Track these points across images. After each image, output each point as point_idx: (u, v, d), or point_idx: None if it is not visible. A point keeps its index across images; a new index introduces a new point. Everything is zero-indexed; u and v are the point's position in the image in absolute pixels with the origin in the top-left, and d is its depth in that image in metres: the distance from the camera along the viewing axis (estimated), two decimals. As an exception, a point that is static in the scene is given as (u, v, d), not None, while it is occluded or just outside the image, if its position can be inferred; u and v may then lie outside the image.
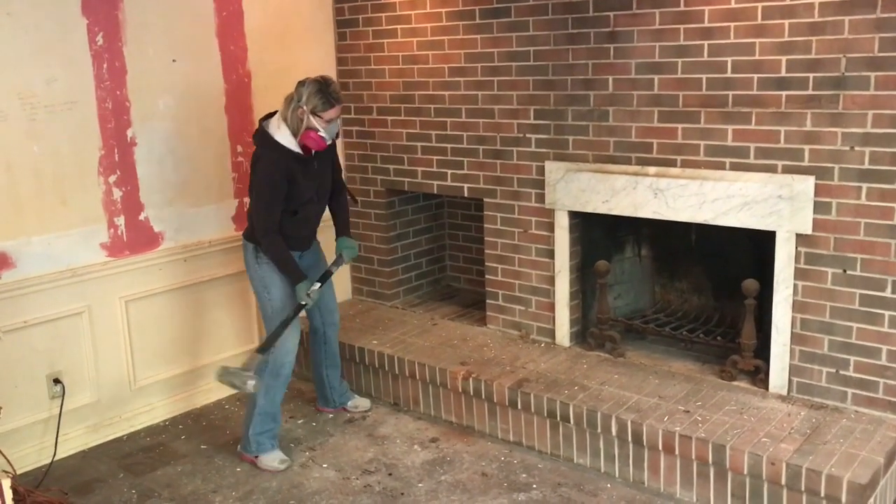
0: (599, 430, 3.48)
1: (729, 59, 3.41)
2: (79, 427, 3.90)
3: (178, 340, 4.25)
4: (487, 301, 4.48)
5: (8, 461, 3.17)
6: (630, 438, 3.39)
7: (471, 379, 3.87)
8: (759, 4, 3.29)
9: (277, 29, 4.49)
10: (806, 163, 3.31)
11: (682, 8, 3.49)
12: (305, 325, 4.09)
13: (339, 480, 3.55)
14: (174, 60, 4.05)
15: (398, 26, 4.48)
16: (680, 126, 3.60)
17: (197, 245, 4.24)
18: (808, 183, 3.29)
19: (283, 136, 3.46)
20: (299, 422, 4.11)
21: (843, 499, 2.88)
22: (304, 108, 3.42)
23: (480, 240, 4.57)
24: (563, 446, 3.63)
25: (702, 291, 4.23)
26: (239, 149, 4.36)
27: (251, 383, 3.46)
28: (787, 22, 3.25)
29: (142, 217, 4.03)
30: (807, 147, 3.30)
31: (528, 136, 4.10)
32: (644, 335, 4.16)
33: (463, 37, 4.24)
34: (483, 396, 3.84)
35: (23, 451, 3.63)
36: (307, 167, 3.54)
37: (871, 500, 2.93)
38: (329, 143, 3.52)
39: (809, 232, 3.33)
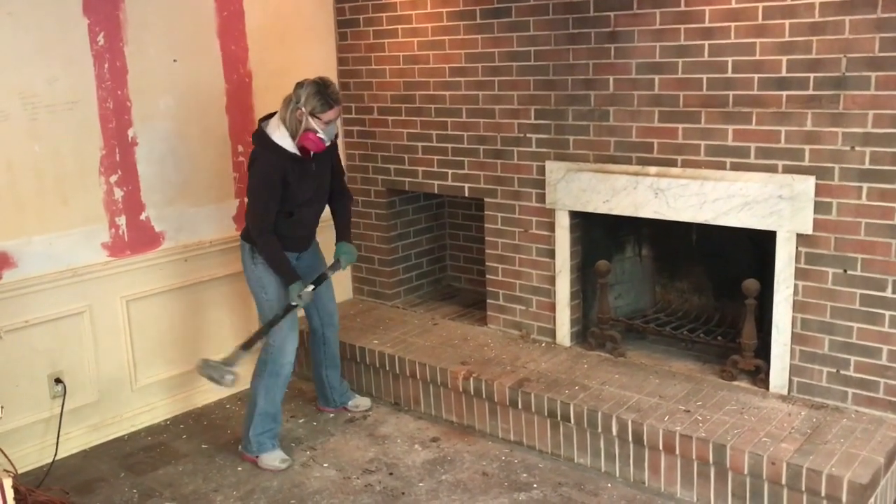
0: (600, 430, 3.48)
1: (729, 59, 3.41)
2: (80, 426, 3.90)
3: (179, 340, 4.25)
4: (488, 301, 4.49)
5: (9, 460, 3.17)
6: (631, 438, 3.39)
7: (471, 379, 3.87)
8: (760, 4, 3.30)
9: (278, 29, 4.49)
10: (806, 163, 3.31)
11: (682, 8, 3.49)
12: (305, 325, 4.10)
13: (340, 480, 3.56)
14: (175, 60, 4.05)
15: (399, 26, 4.48)
16: (680, 126, 3.60)
17: (198, 245, 4.24)
18: (808, 183, 3.29)
19: (280, 136, 3.46)
20: (300, 421, 4.12)
21: (844, 499, 2.88)
22: (303, 109, 3.42)
23: (481, 240, 4.58)
24: (563, 446, 3.63)
25: (702, 291, 4.23)
26: (240, 149, 4.36)
27: (229, 378, 3.47)
28: (787, 22, 3.25)
29: (143, 217, 4.04)
30: (807, 147, 3.30)
31: (528, 135, 4.10)
32: (644, 335, 4.16)
33: (463, 37, 4.24)
34: (484, 396, 3.85)
35: (24, 451, 3.63)
36: (304, 169, 3.54)
37: (872, 499, 2.93)
38: (327, 144, 3.52)
39: (810, 232, 3.33)
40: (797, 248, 3.38)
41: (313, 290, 3.61)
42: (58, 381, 3.79)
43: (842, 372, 3.37)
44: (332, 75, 4.76)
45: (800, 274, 3.40)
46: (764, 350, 3.58)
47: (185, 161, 4.15)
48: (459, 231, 5.21)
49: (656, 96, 3.64)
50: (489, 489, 3.44)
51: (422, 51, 4.42)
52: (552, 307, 4.19)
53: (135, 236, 4.01)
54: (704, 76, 3.49)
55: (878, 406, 3.31)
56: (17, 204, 3.59)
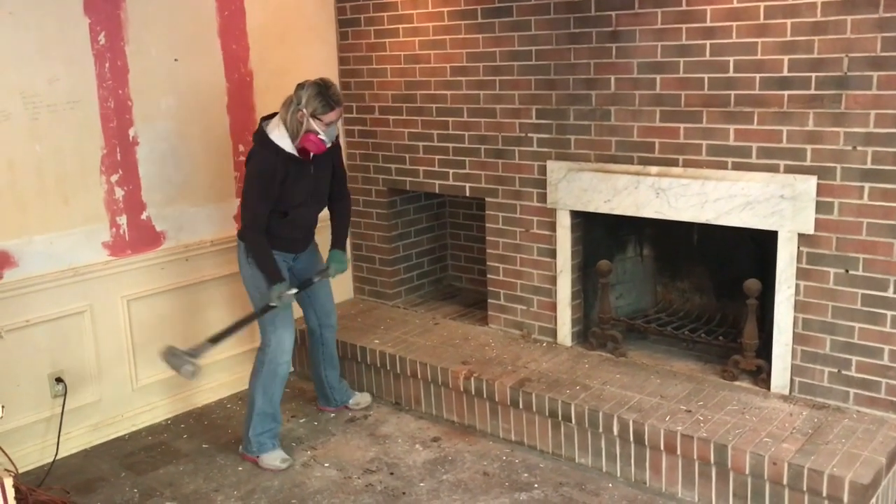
0: (601, 430, 3.47)
1: (731, 59, 3.41)
2: (81, 426, 3.90)
3: (180, 340, 4.22)
4: (489, 301, 4.48)
5: (10, 460, 3.17)
6: (632, 438, 3.39)
7: (472, 378, 3.87)
8: (762, 4, 3.29)
9: (279, 28, 4.49)
10: (808, 162, 3.31)
11: (683, 7, 3.49)
12: (304, 325, 4.10)
13: (341, 480, 3.55)
14: (176, 60, 4.05)
15: (400, 26, 4.48)
16: (682, 126, 3.60)
17: (199, 244, 4.24)
18: (810, 183, 3.29)
19: (279, 136, 3.46)
20: (301, 421, 4.12)
21: (845, 499, 2.87)
22: (304, 111, 3.41)
23: (482, 239, 4.58)
24: (564, 446, 3.63)
25: (703, 291, 4.23)
26: (241, 148, 4.36)
27: (188, 368, 3.45)
28: (789, 21, 3.25)
29: (144, 216, 4.04)
30: (809, 147, 3.29)
31: (529, 135, 4.10)
32: (646, 335, 4.16)
33: (465, 36, 4.23)
34: (485, 396, 3.84)
35: (25, 450, 3.63)
36: (302, 170, 3.54)
37: (873, 500, 2.93)
38: (328, 145, 3.52)
39: (811, 232, 3.33)
40: (799, 247, 3.38)
41: (295, 293, 3.58)
42: (59, 380, 3.79)
43: (843, 372, 3.37)
44: (332, 75, 4.77)
45: (801, 274, 3.40)
46: (765, 350, 3.58)
47: (185, 160, 4.15)
48: (460, 231, 5.21)
49: (658, 96, 3.64)
50: (490, 489, 3.43)
51: (423, 50, 4.41)
52: (553, 307, 4.19)
53: (136, 236, 4.01)
54: (706, 76, 3.49)
55: (879, 406, 3.31)
56: (18, 203, 3.59)
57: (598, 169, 3.86)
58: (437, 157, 4.50)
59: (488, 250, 4.41)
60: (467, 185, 4.41)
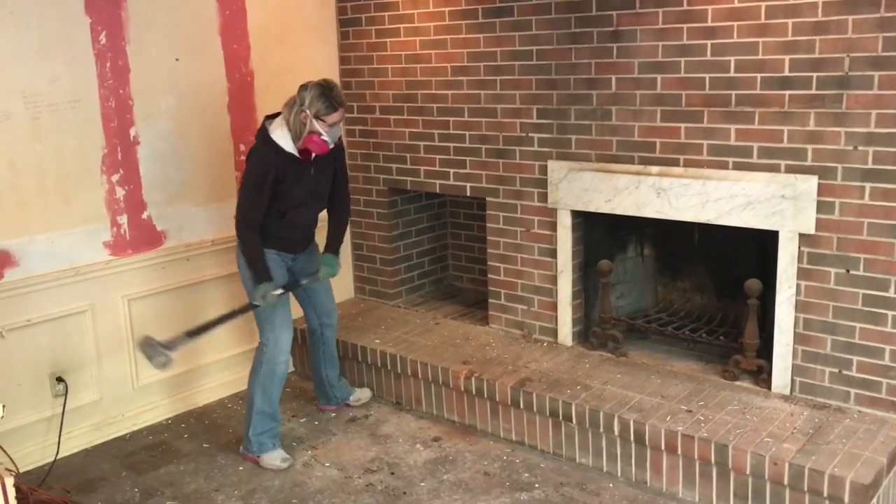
0: (602, 430, 3.47)
1: (732, 59, 3.41)
2: (82, 425, 3.90)
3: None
4: (490, 300, 4.48)
5: (11, 459, 3.18)
6: (632, 438, 3.38)
7: (473, 378, 3.87)
8: (763, 4, 3.29)
9: (280, 28, 4.49)
10: (809, 162, 3.30)
11: (685, 7, 3.49)
12: (305, 324, 4.10)
13: (342, 479, 3.55)
14: (177, 59, 4.05)
15: (401, 25, 4.48)
16: (683, 125, 3.60)
17: (199, 244, 4.24)
18: (811, 183, 3.29)
19: (281, 136, 3.46)
20: (301, 421, 4.12)
21: (846, 499, 2.87)
22: (307, 111, 3.41)
23: (483, 239, 4.57)
24: (565, 446, 3.63)
25: (704, 291, 4.22)
26: (242, 148, 4.36)
27: (160, 360, 3.46)
28: (790, 21, 3.24)
29: (144, 216, 4.04)
30: (810, 147, 3.29)
31: (530, 135, 4.10)
32: (646, 335, 4.15)
33: (465, 36, 4.23)
34: (485, 396, 3.84)
35: (26, 450, 3.63)
36: (302, 172, 3.54)
37: (874, 500, 2.92)
38: (331, 146, 3.52)
39: (812, 232, 3.32)
40: (800, 247, 3.38)
41: (281, 293, 3.57)
42: (59, 379, 3.79)
43: (844, 372, 3.37)
44: (333, 74, 4.77)
45: (802, 274, 3.40)
46: (766, 350, 3.58)
47: (186, 160, 4.16)
48: (461, 230, 5.21)
49: (658, 96, 3.64)
50: (491, 489, 3.43)
51: (424, 50, 4.41)
52: (554, 307, 4.19)
53: (136, 235, 4.01)
54: (707, 76, 3.49)
55: (880, 406, 3.30)
56: (19, 203, 3.59)
57: (598, 169, 3.86)
58: (437, 156, 4.50)
59: (489, 250, 4.41)
60: (468, 184, 4.41)
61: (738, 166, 3.47)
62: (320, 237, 3.89)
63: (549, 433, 3.67)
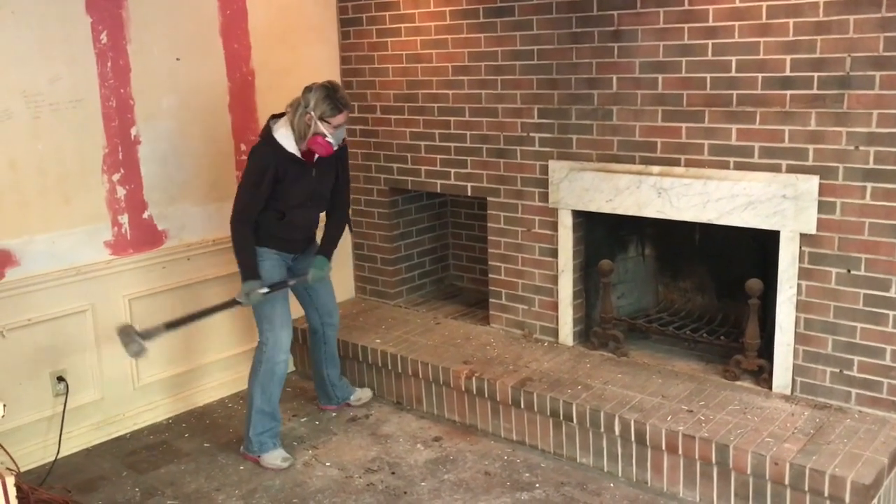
0: (602, 430, 3.47)
1: (733, 59, 3.41)
2: (82, 425, 3.90)
3: (181, 339, 4.24)
4: (490, 300, 4.48)
5: (12, 459, 3.18)
6: (633, 438, 3.38)
7: (474, 378, 3.87)
8: (764, 4, 3.29)
9: (281, 27, 4.49)
10: (810, 162, 3.30)
11: (686, 7, 3.49)
12: (306, 324, 4.10)
13: (342, 479, 3.55)
14: (178, 59, 4.05)
15: (402, 25, 4.48)
16: (684, 125, 3.60)
17: (200, 244, 4.24)
18: (812, 182, 3.28)
19: (284, 136, 3.47)
20: (302, 420, 4.12)
21: (847, 499, 2.87)
22: (312, 113, 3.42)
23: (484, 239, 4.58)
24: (566, 445, 3.63)
25: (705, 291, 4.22)
26: (242, 147, 4.36)
27: (134, 347, 3.47)
28: (791, 21, 3.24)
29: (145, 215, 4.04)
30: (811, 146, 3.29)
31: (531, 135, 4.09)
32: (647, 334, 4.15)
33: (467, 36, 4.23)
34: (486, 395, 3.84)
35: (26, 449, 3.63)
36: (303, 173, 3.54)
37: (875, 500, 2.92)
38: (335, 148, 3.52)
39: (813, 232, 3.32)
40: (801, 247, 3.38)
41: (266, 293, 3.55)
42: (60, 379, 3.79)
43: (845, 372, 3.36)
44: (334, 74, 4.77)
45: (803, 274, 3.39)
46: (767, 350, 3.58)
47: (187, 160, 4.16)
48: (462, 230, 5.21)
49: (660, 95, 3.64)
50: (491, 489, 3.43)
51: (425, 50, 4.41)
52: (555, 306, 4.18)
53: (137, 235, 4.01)
54: (708, 75, 3.49)
55: (881, 406, 3.30)
56: (20, 202, 3.59)
57: (599, 168, 3.86)
58: (438, 156, 4.50)
59: (490, 250, 4.41)
60: (469, 184, 4.41)
61: (740, 166, 3.47)
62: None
63: (550, 433, 3.67)
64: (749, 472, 3.09)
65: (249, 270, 3.52)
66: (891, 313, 3.23)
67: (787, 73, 3.29)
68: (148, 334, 3.53)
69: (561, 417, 3.59)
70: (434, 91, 4.43)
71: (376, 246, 4.96)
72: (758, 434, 3.18)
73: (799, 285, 3.41)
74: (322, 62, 4.70)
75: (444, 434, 3.92)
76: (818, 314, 3.39)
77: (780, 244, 3.41)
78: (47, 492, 3.15)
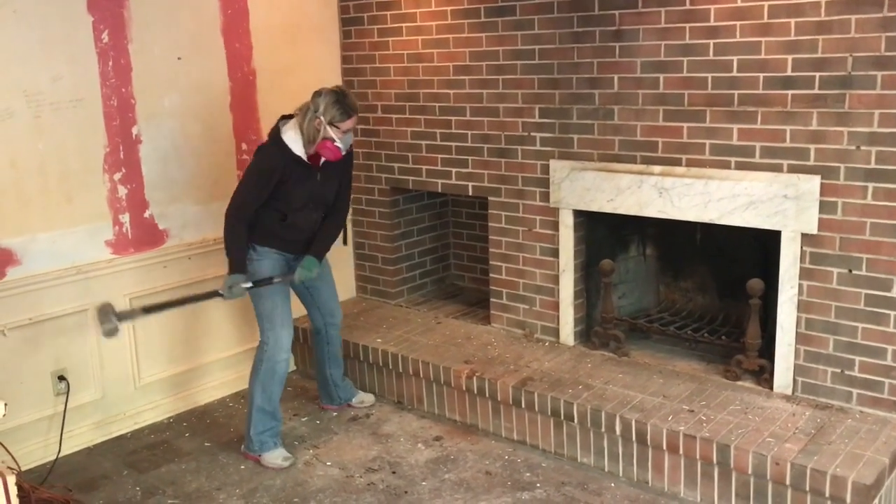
0: (603, 430, 3.47)
1: (735, 58, 3.41)
2: (83, 424, 3.90)
3: (183, 338, 4.25)
4: (491, 300, 4.48)
5: (13, 457, 3.18)
6: (634, 438, 3.38)
7: (475, 377, 3.87)
8: (765, 3, 3.29)
9: (282, 27, 4.49)
10: (812, 162, 3.30)
11: (687, 7, 3.48)
12: (308, 323, 4.10)
13: (343, 478, 3.56)
14: (179, 58, 4.05)
15: (403, 24, 4.48)
16: (685, 125, 3.59)
17: (201, 243, 4.24)
18: (813, 182, 3.28)
19: (292, 138, 3.48)
20: (303, 420, 4.12)
21: (848, 499, 2.87)
22: (322, 118, 3.43)
23: (485, 238, 4.57)
24: (566, 445, 3.63)
25: (706, 291, 4.22)
26: (244, 146, 4.36)
27: (108, 327, 3.46)
28: (793, 21, 3.24)
29: (146, 214, 4.04)
30: (812, 146, 3.29)
31: (532, 134, 4.09)
32: (648, 334, 4.15)
33: (468, 35, 4.23)
34: (487, 395, 3.84)
35: (27, 448, 3.63)
36: (307, 176, 3.54)
37: (876, 500, 2.92)
38: (344, 153, 3.53)
39: (815, 231, 3.32)
40: (802, 247, 3.37)
41: (249, 287, 3.54)
42: (61, 378, 3.79)
43: (846, 372, 3.36)
44: (336, 74, 4.77)
45: (804, 274, 3.39)
46: (768, 350, 3.57)
47: (188, 159, 4.16)
48: (463, 230, 5.21)
49: (661, 95, 3.63)
50: (492, 488, 3.43)
51: (426, 49, 4.41)
52: (556, 306, 4.18)
53: (138, 234, 4.01)
54: (709, 75, 3.49)
55: (882, 406, 3.30)
56: (21, 201, 3.59)
57: (601, 168, 3.85)
58: (439, 156, 4.50)
59: (491, 249, 4.41)
60: (470, 184, 4.41)
61: (741, 166, 3.47)
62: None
63: (551, 433, 3.67)
64: (750, 472, 3.09)
65: (235, 264, 3.51)
66: (892, 313, 3.22)
67: (789, 72, 3.29)
68: (124, 316, 3.53)
69: (562, 417, 3.59)
70: (435, 90, 4.43)
71: (377, 245, 4.96)
72: (759, 434, 3.17)
73: (800, 285, 3.41)
74: (323, 61, 4.70)
75: (445, 434, 3.92)
76: (819, 314, 3.39)
77: (782, 244, 3.40)
78: (48, 491, 3.15)
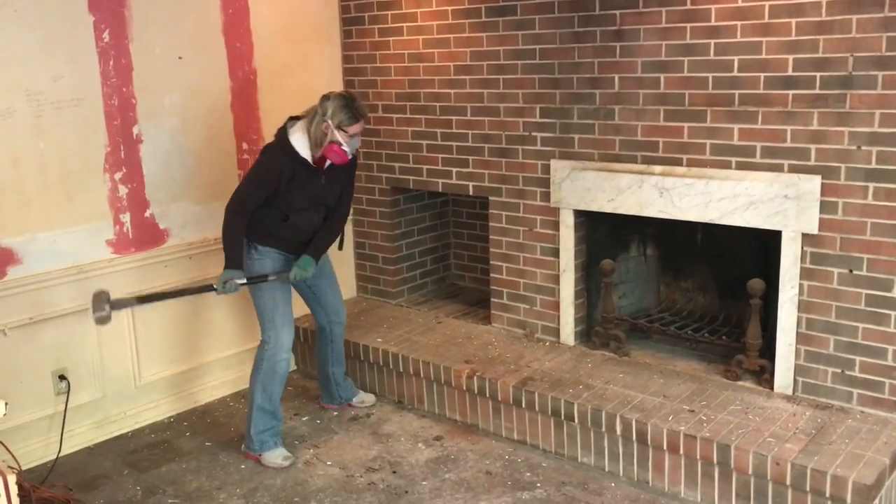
0: (604, 430, 3.47)
1: (735, 58, 3.40)
2: (84, 423, 3.91)
3: (183, 337, 4.25)
4: (492, 299, 4.48)
5: (13, 457, 3.18)
6: (634, 438, 3.38)
7: (475, 377, 3.87)
8: (766, 3, 3.29)
9: (283, 26, 4.49)
10: (812, 162, 3.30)
11: (688, 6, 3.48)
12: (310, 322, 4.10)
13: (343, 478, 3.56)
14: (180, 58, 4.06)
15: (404, 24, 4.48)
16: (686, 125, 3.59)
17: (202, 242, 4.24)
18: (814, 182, 3.28)
19: (298, 140, 3.48)
20: (303, 419, 4.12)
21: (849, 499, 2.87)
22: (330, 122, 3.43)
23: (485, 238, 4.57)
24: (567, 445, 3.63)
25: (707, 291, 4.22)
26: (244, 146, 4.36)
27: (100, 314, 3.45)
28: (793, 21, 3.24)
29: (147, 214, 4.04)
30: (813, 146, 3.29)
31: (533, 134, 4.09)
32: (649, 334, 4.15)
33: (469, 35, 4.23)
34: (487, 395, 3.84)
35: (28, 447, 3.63)
36: (312, 179, 3.54)
37: (877, 500, 2.92)
38: (350, 157, 3.54)
39: (815, 232, 3.32)
40: (803, 247, 3.37)
41: (242, 285, 3.54)
42: (62, 377, 3.79)
43: (847, 372, 3.36)
44: (336, 73, 4.77)
45: (805, 274, 3.39)
46: (769, 350, 3.57)
47: (189, 158, 4.16)
48: (464, 230, 5.21)
49: (662, 95, 3.63)
50: (492, 488, 3.43)
51: (427, 49, 4.41)
52: (556, 306, 4.18)
53: (139, 233, 4.02)
54: (710, 75, 3.48)
55: (883, 407, 3.30)
56: (22, 201, 3.59)
57: (601, 168, 3.85)
58: (440, 155, 4.50)
59: (491, 249, 4.41)
60: (470, 183, 4.41)
61: (742, 166, 3.46)
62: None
63: (552, 432, 3.67)
64: (750, 472, 3.09)
65: (231, 259, 3.52)
66: (892, 313, 3.22)
67: (790, 72, 3.28)
68: (117, 304, 3.52)
69: (562, 417, 3.59)
70: (436, 90, 4.43)
71: (378, 245, 4.96)
72: (759, 434, 3.17)
73: (801, 285, 3.41)
74: (324, 61, 4.71)
75: (446, 433, 3.92)
76: (820, 314, 3.39)
77: (782, 244, 3.40)
78: (49, 490, 3.15)
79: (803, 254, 3.38)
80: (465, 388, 3.92)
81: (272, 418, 3.70)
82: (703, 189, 3.55)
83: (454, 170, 4.46)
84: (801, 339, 3.45)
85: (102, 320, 3.48)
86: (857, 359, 3.33)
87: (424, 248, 5.11)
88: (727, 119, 3.47)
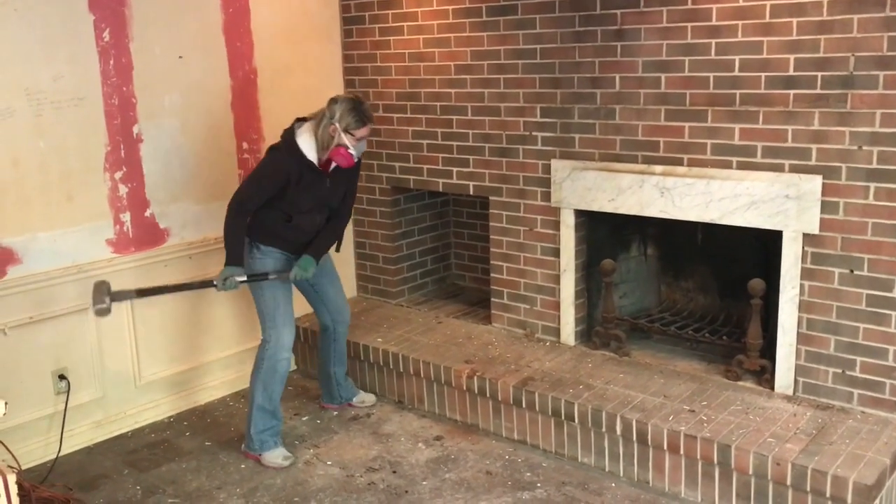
0: (604, 430, 3.47)
1: (736, 58, 3.40)
2: (84, 423, 3.90)
3: (183, 337, 4.25)
4: (492, 299, 4.48)
5: (13, 456, 3.18)
6: (635, 438, 3.38)
7: (475, 377, 3.87)
8: (767, 3, 3.28)
9: (284, 26, 4.48)
10: (813, 162, 3.30)
11: (689, 6, 3.48)
12: (310, 322, 4.10)
13: (343, 478, 3.55)
14: (180, 57, 4.05)
15: (404, 24, 4.48)
16: (687, 125, 3.59)
17: (202, 242, 4.24)
18: (815, 182, 3.28)
19: (305, 142, 3.49)
20: (303, 419, 4.12)
21: (849, 499, 2.87)
22: (337, 125, 3.43)
23: (486, 238, 4.57)
24: (567, 445, 3.63)
25: (707, 291, 4.22)
26: (245, 146, 4.36)
27: (100, 306, 3.44)
28: (795, 20, 3.24)
29: (147, 213, 4.04)
30: (814, 146, 3.28)
31: (534, 134, 4.09)
32: (649, 334, 4.15)
33: (469, 34, 4.23)
34: (488, 395, 3.84)
35: (28, 447, 3.63)
36: (317, 181, 3.55)
37: (877, 501, 2.92)
38: (356, 160, 3.54)
39: (816, 232, 3.32)
40: (803, 247, 3.37)
41: (242, 282, 3.54)
42: (62, 377, 3.79)
43: (847, 372, 3.36)
44: (337, 72, 4.77)
45: (806, 274, 3.39)
46: (769, 350, 3.57)
47: (189, 158, 4.16)
48: (464, 229, 5.20)
49: (662, 95, 3.63)
50: (493, 488, 3.43)
51: (427, 48, 4.41)
52: (557, 306, 4.18)
53: (139, 233, 4.01)
54: (711, 75, 3.48)
55: (883, 407, 3.29)
56: (22, 200, 3.59)
57: (602, 168, 3.85)
58: (440, 155, 4.50)
59: (492, 249, 4.40)
60: (471, 183, 4.40)
61: (742, 166, 3.46)
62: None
63: (552, 432, 3.66)
64: (751, 472, 3.09)
65: (232, 257, 3.52)
66: (893, 314, 3.22)
67: (791, 72, 3.28)
68: (117, 296, 3.51)
69: (562, 417, 3.59)
70: (436, 90, 4.43)
71: (378, 245, 4.96)
72: (760, 434, 3.17)
73: (801, 285, 3.40)
74: (324, 61, 4.70)
75: (446, 433, 3.92)
76: (820, 314, 3.39)
77: (783, 244, 3.40)
78: (48, 490, 3.15)
79: (804, 254, 3.37)
80: (465, 388, 3.92)
81: (272, 418, 3.70)
82: (703, 189, 3.54)
83: (454, 169, 4.45)
84: (801, 339, 3.45)
85: (102, 312, 3.48)
86: (858, 359, 3.33)
87: (425, 248, 5.11)
88: (728, 119, 3.47)
